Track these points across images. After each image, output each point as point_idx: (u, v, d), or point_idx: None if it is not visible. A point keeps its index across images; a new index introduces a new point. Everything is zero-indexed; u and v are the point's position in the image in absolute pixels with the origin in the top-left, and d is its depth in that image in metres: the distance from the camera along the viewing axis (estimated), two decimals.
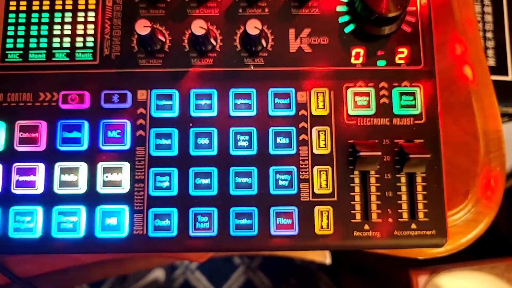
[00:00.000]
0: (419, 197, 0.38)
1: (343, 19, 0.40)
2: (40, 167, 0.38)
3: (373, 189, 0.38)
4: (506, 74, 0.61)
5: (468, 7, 0.48)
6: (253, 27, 0.36)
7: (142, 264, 0.70)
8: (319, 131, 0.38)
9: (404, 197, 0.38)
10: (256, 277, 1.30)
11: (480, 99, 0.46)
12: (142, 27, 0.36)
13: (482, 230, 0.44)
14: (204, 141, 0.38)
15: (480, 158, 0.44)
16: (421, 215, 0.37)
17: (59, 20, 0.40)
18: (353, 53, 0.40)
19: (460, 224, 0.43)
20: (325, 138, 0.38)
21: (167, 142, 0.38)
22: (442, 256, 0.46)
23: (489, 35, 0.64)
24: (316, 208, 0.37)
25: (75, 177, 0.37)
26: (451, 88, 0.46)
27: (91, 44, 0.39)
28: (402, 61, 0.40)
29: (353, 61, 0.40)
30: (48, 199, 0.37)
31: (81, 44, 0.39)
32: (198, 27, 0.36)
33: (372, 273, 1.01)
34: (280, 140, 0.38)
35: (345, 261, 1.15)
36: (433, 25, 0.40)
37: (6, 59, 0.39)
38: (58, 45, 0.39)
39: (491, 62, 0.64)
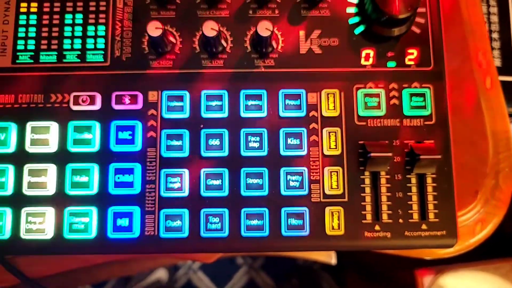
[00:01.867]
0: (430, 197, 0.38)
1: (353, 20, 0.40)
2: (52, 168, 0.38)
3: (383, 189, 0.38)
4: None
5: (476, 8, 0.48)
6: (264, 28, 0.37)
7: (148, 264, 0.70)
8: (329, 132, 0.38)
9: (414, 198, 0.38)
10: (258, 277, 1.30)
11: (489, 100, 0.46)
12: (154, 29, 0.36)
13: (491, 230, 0.44)
14: (215, 142, 0.38)
15: (489, 158, 0.44)
16: (431, 216, 0.38)
17: (69, 21, 0.40)
18: (363, 54, 0.40)
19: (469, 224, 0.44)
20: (335, 139, 0.38)
21: (178, 143, 0.38)
22: (448, 256, 0.46)
23: (495, 35, 0.64)
24: (327, 209, 0.37)
25: (86, 178, 0.38)
26: (460, 88, 0.46)
27: (102, 46, 0.40)
28: (412, 62, 0.40)
29: (363, 62, 0.40)
30: (60, 200, 0.37)
31: (92, 46, 0.40)
32: (209, 29, 0.37)
33: (376, 273, 1.01)
34: (291, 141, 0.38)
35: (349, 261, 1.15)
36: (443, 25, 0.40)
37: (17, 61, 0.39)
38: (69, 46, 0.40)
39: (497, 62, 0.64)
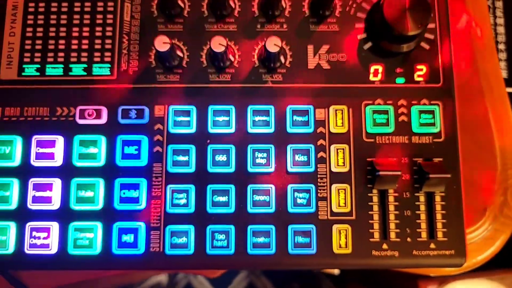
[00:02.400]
0: (438, 216, 0.37)
1: (362, 36, 0.40)
2: (57, 183, 0.37)
3: (391, 208, 0.37)
4: None
5: (485, 21, 0.48)
6: (273, 44, 0.36)
7: (149, 273, 0.69)
8: (337, 149, 0.38)
9: (423, 216, 0.37)
10: (258, 281, 1.29)
11: (498, 115, 0.45)
12: (162, 44, 0.36)
13: (499, 247, 0.44)
14: (221, 158, 0.38)
15: (497, 175, 0.44)
16: (440, 235, 0.37)
17: (76, 34, 0.40)
18: (372, 70, 0.39)
19: (477, 241, 0.43)
20: (343, 156, 0.38)
21: (185, 158, 0.38)
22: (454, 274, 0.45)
23: (502, 46, 0.64)
24: (335, 227, 0.37)
25: (91, 193, 0.37)
26: (468, 104, 0.45)
27: (109, 59, 0.39)
28: (421, 79, 0.39)
29: (371, 78, 0.39)
30: (65, 215, 0.37)
31: (98, 59, 0.39)
32: (217, 44, 0.36)
33: (378, 281, 1.00)
34: (299, 157, 0.38)
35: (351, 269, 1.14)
36: (452, 41, 0.40)
37: (23, 73, 0.39)
38: (75, 59, 0.39)
39: (504, 74, 0.63)
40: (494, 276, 0.74)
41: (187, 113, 0.38)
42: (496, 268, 0.73)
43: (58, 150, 0.38)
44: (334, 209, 0.37)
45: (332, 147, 0.38)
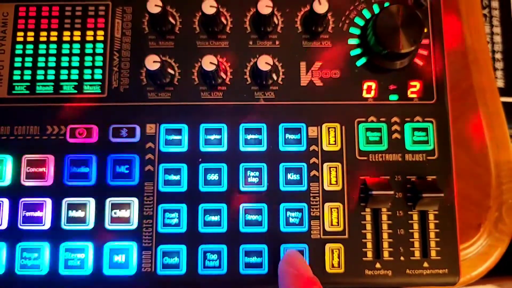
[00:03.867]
0: (432, 235, 0.37)
1: (355, 52, 0.39)
2: (48, 203, 0.37)
3: (384, 226, 0.37)
4: None
5: (479, 35, 0.47)
6: (264, 63, 0.36)
7: None
8: (330, 167, 0.38)
9: (416, 235, 0.37)
10: None
11: (492, 130, 0.45)
12: (152, 63, 0.36)
13: (494, 263, 0.44)
14: (213, 177, 0.37)
15: (491, 190, 0.44)
16: (433, 254, 0.37)
17: (67, 51, 0.39)
18: (365, 86, 0.39)
19: (471, 257, 0.43)
20: (336, 174, 0.38)
21: (176, 177, 0.37)
22: None
23: (498, 56, 0.64)
24: (327, 246, 0.37)
25: (82, 213, 0.37)
26: (463, 118, 0.45)
27: (99, 77, 0.39)
28: (414, 95, 0.39)
29: (364, 95, 0.39)
30: (55, 235, 0.37)
31: (89, 77, 0.39)
32: (208, 63, 0.36)
33: None
34: (291, 176, 0.37)
35: None
36: (446, 56, 0.40)
37: (13, 91, 0.39)
38: (66, 77, 0.39)
39: (500, 83, 0.63)
40: (492, 284, 0.74)
41: (179, 131, 0.38)
42: (494, 276, 0.73)
43: (49, 169, 0.38)
44: (327, 228, 0.37)
45: (325, 165, 0.38)
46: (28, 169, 0.37)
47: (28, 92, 0.39)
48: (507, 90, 0.63)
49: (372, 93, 0.39)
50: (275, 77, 0.39)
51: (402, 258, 0.37)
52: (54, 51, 0.39)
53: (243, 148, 0.38)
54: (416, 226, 0.37)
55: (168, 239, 0.37)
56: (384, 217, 0.37)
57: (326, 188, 0.38)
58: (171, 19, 0.39)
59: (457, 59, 0.47)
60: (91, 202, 0.37)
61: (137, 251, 0.37)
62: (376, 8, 0.40)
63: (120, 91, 0.39)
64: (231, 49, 0.39)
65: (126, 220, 0.37)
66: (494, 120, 0.45)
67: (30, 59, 0.39)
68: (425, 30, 0.39)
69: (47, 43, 0.39)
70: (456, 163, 0.39)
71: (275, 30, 0.40)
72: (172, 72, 0.39)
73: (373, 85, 0.39)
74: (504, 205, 0.44)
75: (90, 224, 0.37)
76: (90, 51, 0.39)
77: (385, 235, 0.37)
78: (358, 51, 0.39)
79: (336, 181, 0.38)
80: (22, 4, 0.40)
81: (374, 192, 0.36)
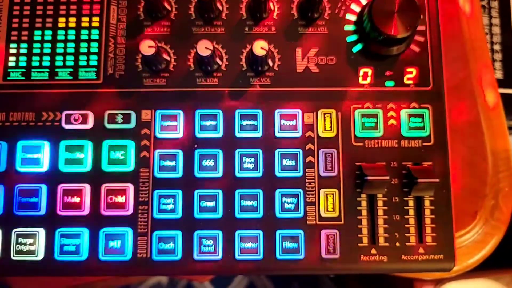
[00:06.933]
0: (427, 221, 0.37)
1: (351, 38, 0.39)
2: (43, 189, 0.37)
3: (380, 212, 0.37)
4: None
5: (477, 25, 0.47)
6: (259, 48, 0.36)
7: (145, 276, 0.69)
8: (326, 153, 0.38)
9: (411, 221, 0.37)
10: (259, 281, 1.29)
11: (490, 118, 0.45)
12: (147, 48, 0.36)
13: (490, 250, 0.44)
14: (209, 162, 0.37)
15: (488, 178, 0.44)
16: (429, 239, 0.37)
17: (62, 37, 0.39)
18: (361, 73, 0.39)
19: (468, 245, 0.43)
20: (332, 160, 0.38)
21: (172, 163, 0.37)
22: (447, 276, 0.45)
23: (497, 47, 0.63)
24: (323, 232, 0.37)
25: (78, 199, 0.37)
26: (460, 106, 0.45)
27: (95, 63, 0.39)
28: (410, 82, 0.39)
29: (361, 81, 0.39)
30: (51, 221, 0.37)
31: (84, 63, 0.39)
32: (203, 48, 0.36)
33: (377, 280, 1.00)
34: (287, 162, 0.37)
35: None
36: (442, 43, 0.40)
37: (9, 78, 0.39)
38: (61, 63, 0.39)
39: (499, 74, 0.63)
40: (490, 276, 0.74)
41: (174, 117, 0.38)
42: (492, 267, 0.73)
43: (45, 155, 0.37)
44: (323, 214, 0.37)
45: (321, 151, 0.38)
46: (24, 155, 0.37)
47: (23, 78, 0.39)
48: (505, 82, 0.63)
49: (368, 80, 0.39)
50: (271, 63, 0.39)
51: (397, 244, 0.37)
52: (50, 38, 0.39)
53: (238, 134, 0.38)
54: (411, 212, 0.37)
55: (163, 225, 0.37)
56: (380, 203, 0.37)
57: (322, 174, 0.37)
58: (166, 5, 0.39)
59: (455, 48, 0.46)
60: (86, 188, 0.37)
61: (133, 237, 0.37)
62: None
63: (115, 77, 0.39)
64: (226, 35, 0.39)
65: (122, 206, 0.37)
66: (491, 109, 0.45)
67: (26, 45, 0.39)
68: (421, 16, 0.39)
69: (42, 29, 0.39)
70: (452, 151, 0.38)
71: (271, 16, 0.39)
72: (167, 58, 0.39)
73: (369, 71, 0.39)
74: (501, 193, 0.44)
75: (86, 210, 0.37)
76: (86, 37, 0.39)
77: (380, 221, 0.37)
78: (354, 37, 0.39)
79: (332, 167, 0.38)
80: None
81: (369, 178, 0.36)
